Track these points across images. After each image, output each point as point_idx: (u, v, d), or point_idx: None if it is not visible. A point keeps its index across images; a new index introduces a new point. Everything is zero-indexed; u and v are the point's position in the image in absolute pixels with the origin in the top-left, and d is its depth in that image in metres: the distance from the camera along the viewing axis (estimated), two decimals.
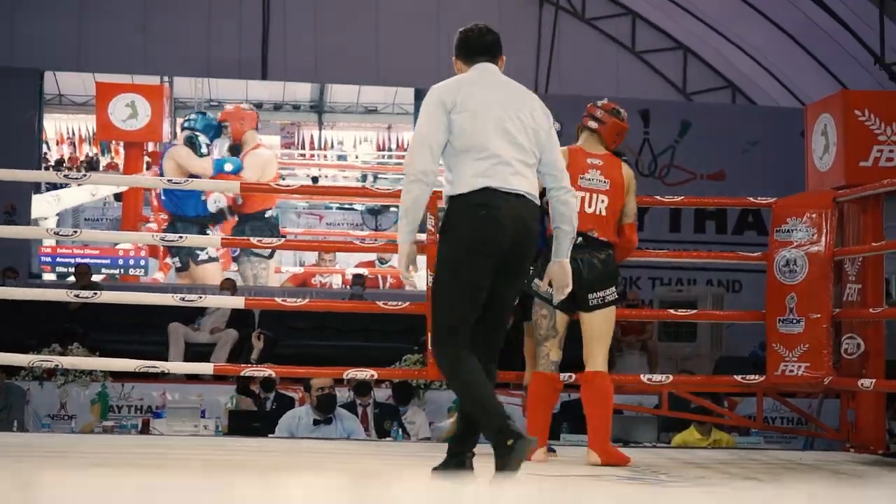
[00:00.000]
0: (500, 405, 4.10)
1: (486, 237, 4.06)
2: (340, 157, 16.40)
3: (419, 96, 16.24)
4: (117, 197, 14.69)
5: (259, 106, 15.87)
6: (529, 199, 4.14)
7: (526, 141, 4.18)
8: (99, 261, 14.74)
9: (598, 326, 5.40)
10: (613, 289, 5.38)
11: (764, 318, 6.30)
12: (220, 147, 15.19)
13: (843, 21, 14.43)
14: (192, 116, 14.40)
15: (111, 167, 14.62)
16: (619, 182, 5.43)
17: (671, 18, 17.60)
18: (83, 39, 16.30)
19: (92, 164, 14.84)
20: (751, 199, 6.80)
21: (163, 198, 14.44)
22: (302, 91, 16.45)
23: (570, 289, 4.41)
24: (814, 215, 6.10)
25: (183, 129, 14.53)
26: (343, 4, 17.08)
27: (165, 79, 15.27)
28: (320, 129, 16.27)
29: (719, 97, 17.84)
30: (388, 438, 8.46)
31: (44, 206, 14.37)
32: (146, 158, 14.78)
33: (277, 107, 16.27)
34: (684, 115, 16.51)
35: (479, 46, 4.48)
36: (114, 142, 14.63)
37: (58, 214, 14.02)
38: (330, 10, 17.00)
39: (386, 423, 8.76)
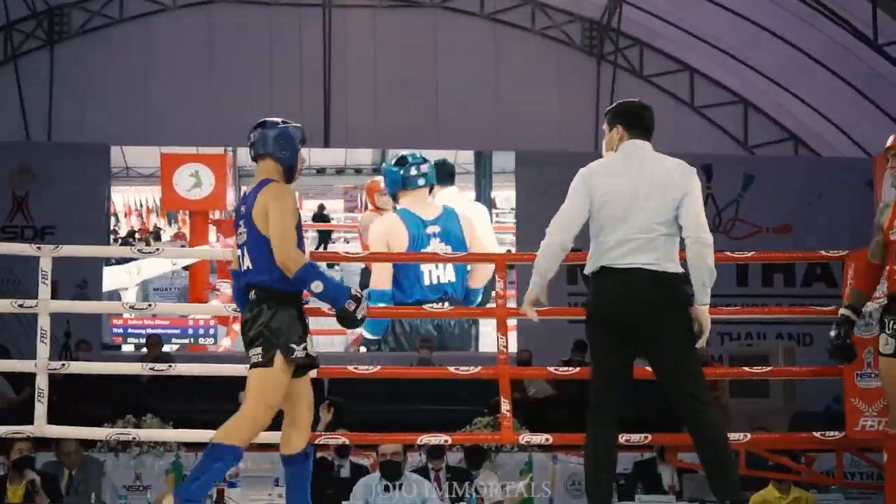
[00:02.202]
0: (598, 490, 4.75)
1: (599, 311, 4.71)
2: None
3: (479, 159, 16.30)
4: (185, 266, 14.79)
5: (322, 171, 15.81)
6: (648, 269, 4.58)
7: (655, 216, 4.62)
8: (169, 331, 14.90)
9: None
10: None
11: (841, 373, 6.21)
12: None
13: None
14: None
15: (178, 237, 14.74)
16: None
17: (730, 72, 17.61)
18: (149, 114, 16.71)
19: (158, 235, 14.94)
20: (822, 252, 6.72)
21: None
22: (363, 155, 16.50)
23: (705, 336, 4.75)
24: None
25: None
26: (402, 72, 17.31)
27: (229, 148, 15.40)
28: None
29: (782, 150, 17.75)
30: (461, 503, 8.42)
31: (123, 278, 14.22)
32: (211, 226, 14.79)
33: (339, 171, 16.24)
34: (747, 168, 16.45)
35: (630, 123, 4.96)
36: (180, 211, 14.60)
37: (137, 285, 13.94)
38: (389, 77, 17.25)
39: (460, 487, 8.72)
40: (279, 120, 5.03)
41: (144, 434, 8.17)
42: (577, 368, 8.18)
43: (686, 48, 17.62)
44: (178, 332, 15.14)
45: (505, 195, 15.96)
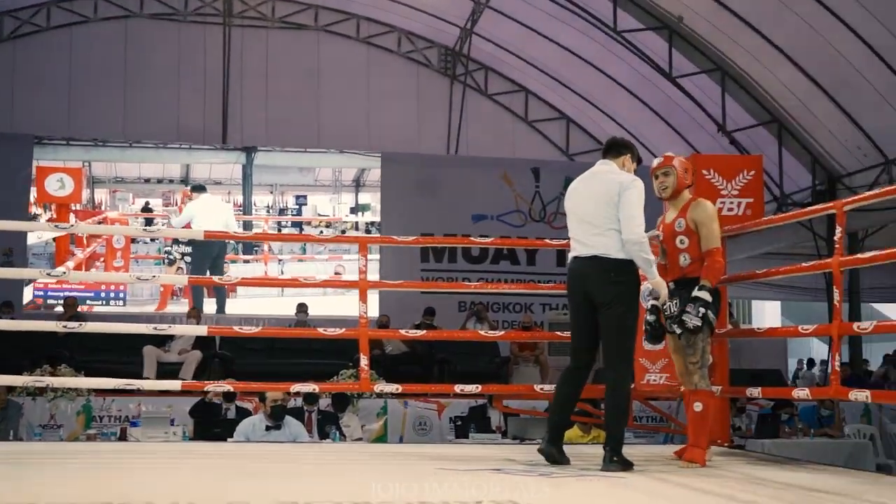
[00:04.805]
0: (553, 413, 5.12)
1: (568, 287, 5.03)
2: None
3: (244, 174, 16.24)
4: (54, 239, 15.38)
5: (147, 180, 16.79)
6: (599, 256, 4.84)
7: (601, 217, 4.85)
8: (84, 294, 14.45)
9: None
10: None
11: None
12: None
13: (693, 97, 14.80)
14: None
15: (51, 220, 15.26)
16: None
17: (557, 94, 17.88)
18: (71, 112, 16.11)
19: (37, 218, 15.29)
20: None
21: None
22: (173, 170, 16.60)
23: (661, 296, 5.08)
24: None
25: None
26: (290, 82, 17.07)
27: (85, 163, 16.00)
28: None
29: (595, 157, 17.98)
30: (327, 440, 8.38)
31: None
32: (71, 214, 15.52)
33: (159, 181, 16.90)
34: (567, 172, 16.59)
35: (604, 149, 5.23)
36: (52, 204, 15.38)
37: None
38: (279, 87, 17.00)
39: (326, 427, 8.67)
40: None
41: (58, 382, 7.90)
42: (425, 331, 8.23)
43: (522, 73, 17.81)
44: (91, 294, 14.72)
45: (260, 199, 16.82)
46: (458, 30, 17.14)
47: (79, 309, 12.70)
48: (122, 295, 14.99)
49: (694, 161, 6.60)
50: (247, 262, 15.90)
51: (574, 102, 17.77)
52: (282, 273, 15.88)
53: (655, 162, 5.42)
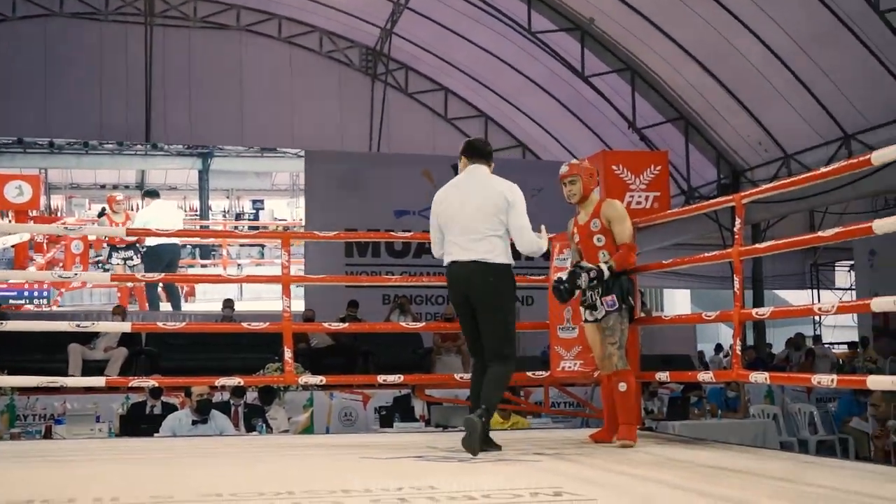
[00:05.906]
0: (474, 400, 4.99)
1: (450, 290, 5.06)
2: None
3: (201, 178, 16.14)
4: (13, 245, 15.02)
5: (103, 186, 16.43)
6: (479, 261, 4.89)
7: (481, 223, 4.89)
8: (7, 293, 14.07)
9: None
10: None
11: (548, 327, 6.44)
12: None
13: (605, 95, 15.01)
14: None
15: None
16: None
17: (475, 93, 17.96)
18: None
19: None
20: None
21: None
22: (128, 176, 16.34)
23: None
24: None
25: None
26: (213, 81, 16.84)
27: (42, 170, 15.76)
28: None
29: (513, 154, 18.25)
30: (254, 433, 8.29)
31: None
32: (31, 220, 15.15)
33: (102, 186, 16.65)
34: None
35: (472, 153, 5.14)
36: (10, 211, 15.08)
37: None
38: (201, 85, 16.75)
39: (253, 420, 8.59)
40: None
41: None
42: (349, 324, 8.20)
43: (442, 72, 17.85)
44: (14, 294, 14.34)
45: (217, 203, 16.64)
46: (379, 30, 17.09)
47: (2, 308, 12.35)
48: (45, 294, 14.62)
49: (603, 157, 6.70)
50: (204, 266, 15.60)
51: (492, 101, 17.87)
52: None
53: (562, 170, 5.54)
